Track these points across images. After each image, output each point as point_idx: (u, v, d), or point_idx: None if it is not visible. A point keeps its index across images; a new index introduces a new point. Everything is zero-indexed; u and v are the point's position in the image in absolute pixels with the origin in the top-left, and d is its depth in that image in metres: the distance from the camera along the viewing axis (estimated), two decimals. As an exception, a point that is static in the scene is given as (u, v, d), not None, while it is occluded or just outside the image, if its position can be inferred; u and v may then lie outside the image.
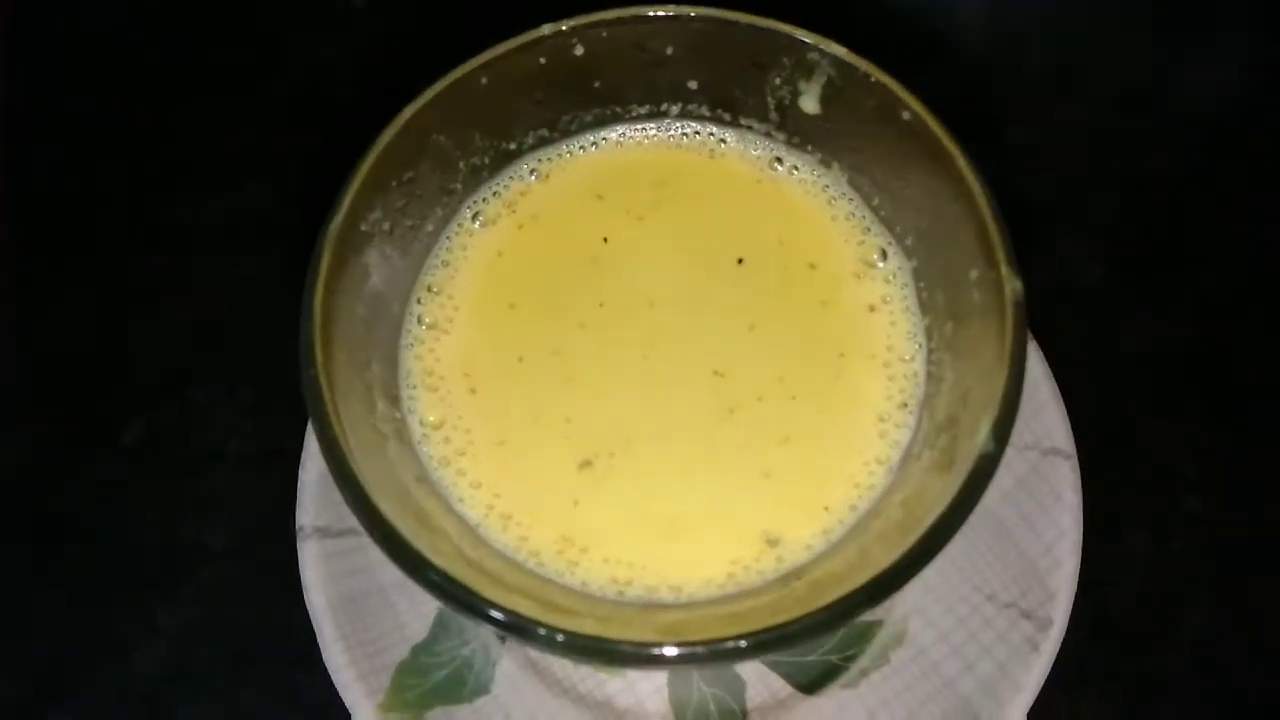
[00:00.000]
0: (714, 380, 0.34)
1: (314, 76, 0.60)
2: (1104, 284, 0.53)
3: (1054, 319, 0.47)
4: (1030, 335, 0.45)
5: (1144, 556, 0.47)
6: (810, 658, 0.44)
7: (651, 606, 0.30)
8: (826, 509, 0.32)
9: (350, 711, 0.41)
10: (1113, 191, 0.55)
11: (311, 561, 0.43)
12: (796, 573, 0.31)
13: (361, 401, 0.31)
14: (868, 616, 0.44)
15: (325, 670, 0.41)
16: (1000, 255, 0.29)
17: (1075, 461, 0.44)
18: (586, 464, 0.33)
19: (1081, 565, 0.42)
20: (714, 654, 0.25)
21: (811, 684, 0.43)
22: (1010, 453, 0.45)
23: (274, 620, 0.46)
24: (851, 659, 0.43)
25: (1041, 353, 0.45)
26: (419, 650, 0.43)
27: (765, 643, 0.25)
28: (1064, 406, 0.45)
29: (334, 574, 0.43)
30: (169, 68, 0.61)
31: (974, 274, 0.31)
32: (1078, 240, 0.54)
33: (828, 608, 0.25)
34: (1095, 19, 0.61)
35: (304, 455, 0.45)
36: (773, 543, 0.31)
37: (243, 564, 0.48)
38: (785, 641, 0.25)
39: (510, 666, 0.44)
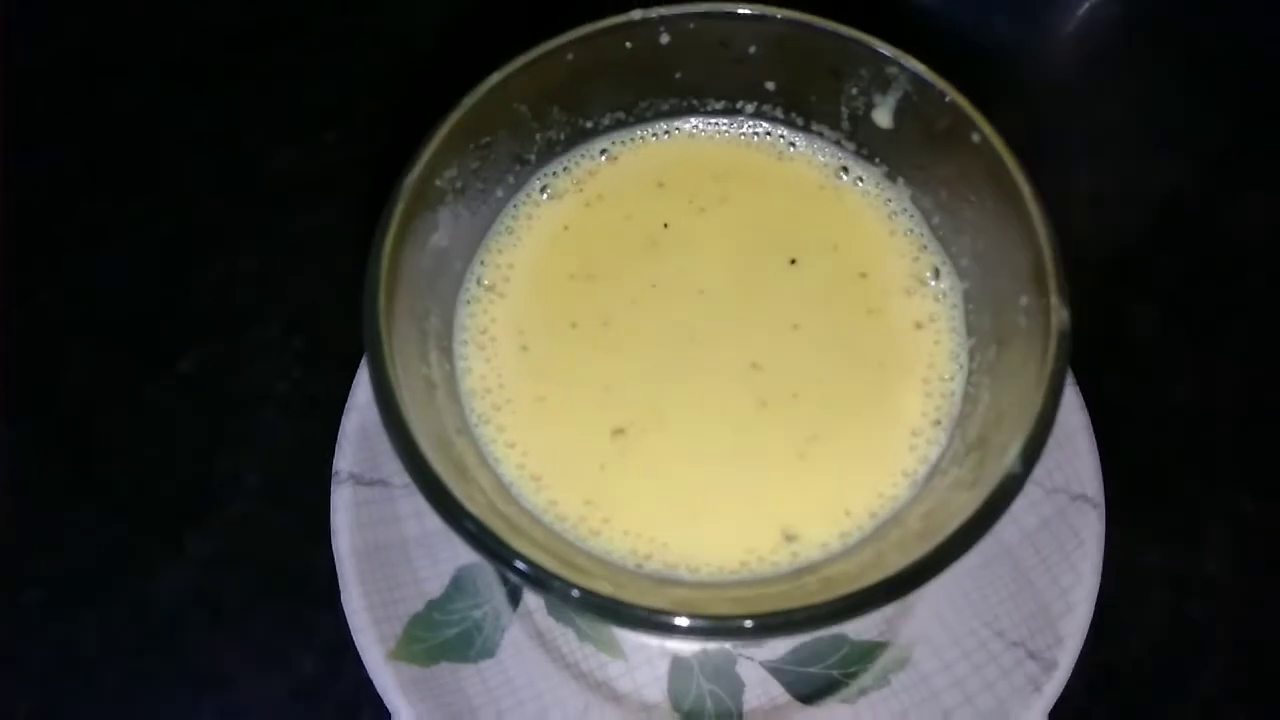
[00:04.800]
0: (751, 372, 0.34)
1: (401, 42, 0.61)
2: (1156, 339, 0.53)
3: (1101, 369, 0.47)
4: (1074, 383, 0.46)
5: (1160, 615, 0.47)
6: (812, 669, 0.44)
7: (666, 582, 0.31)
8: (847, 513, 0.32)
9: (361, 653, 0.42)
10: (1177, 249, 0.55)
11: (343, 505, 0.45)
12: (810, 569, 0.31)
13: (416, 349, 0.32)
14: (873, 636, 0.44)
15: (340, 614, 0.42)
16: (1052, 284, 0.29)
17: (1102, 511, 0.44)
18: (619, 431, 0.33)
19: (1096, 616, 0.42)
20: (720, 630, 0.26)
21: (810, 695, 0.44)
22: (1039, 494, 0.45)
23: (298, 561, 0.47)
24: (853, 676, 0.44)
25: (1083, 400, 0.46)
26: (433, 606, 0.44)
27: (770, 626, 0.26)
28: (1098, 456, 0.45)
29: (361, 521, 0.45)
30: (259, 14, 0.63)
31: (1024, 300, 0.31)
32: (1134, 292, 0.54)
33: (834, 601, 0.26)
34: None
35: (348, 405, 0.47)
36: (790, 538, 0.32)
37: (274, 503, 0.49)
38: (790, 627, 0.26)
39: (518, 635, 0.45)
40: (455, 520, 0.27)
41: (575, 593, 0.26)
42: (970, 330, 0.35)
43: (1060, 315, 0.29)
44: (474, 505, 0.28)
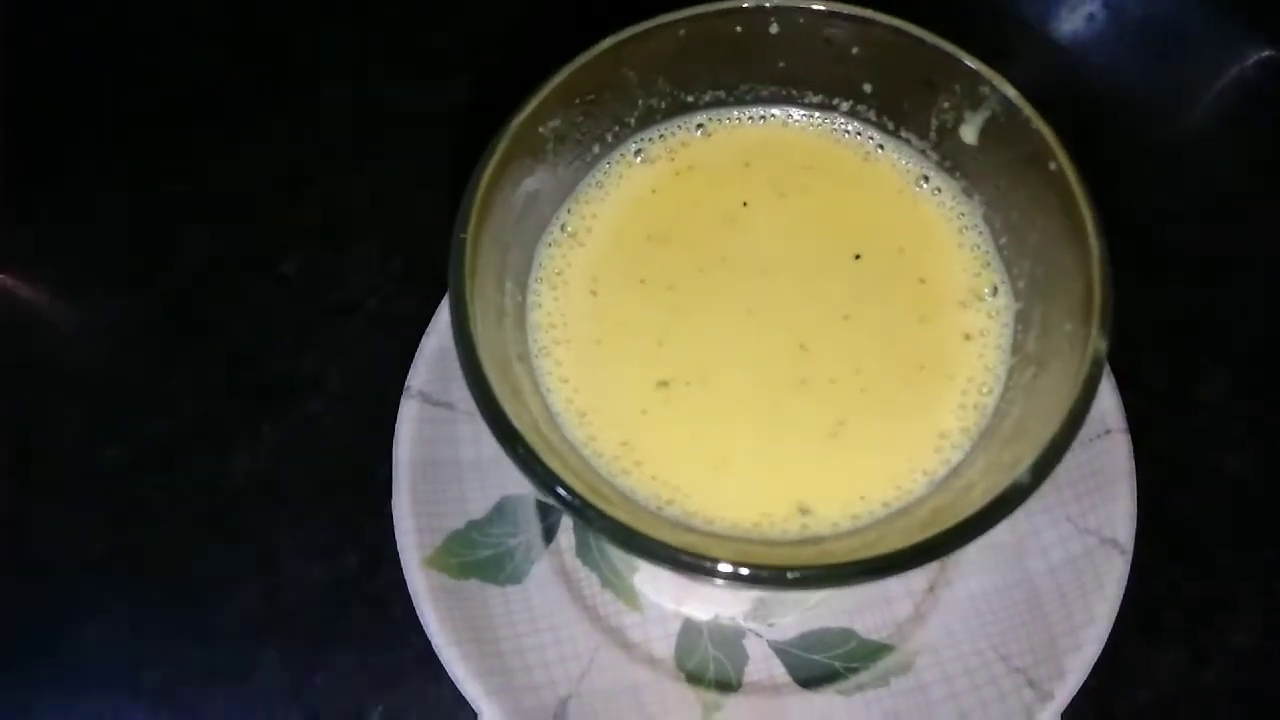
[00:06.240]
0: (798, 351, 0.36)
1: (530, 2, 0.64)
2: (1222, 404, 0.52)
3: (1161, 424, 0.48)
4: (1126, 429, 0.46)
5: (1173, 674, 0.47)
6: (816, 657, 0.46)
7: (681, 527, 0.33)
8: (862, 498, 0.34)
9: (400, 555, 0.45)
10: (1266, 317, 0.55)
11: (407, 419, 0.48)
12: (815, 540, 0.33)
13: (494, 277, 0.34)
14: (881, 638, 0.46)
15: (388, 519, 0.46)
16: (1096, 315, 0.31)
17: (1129, 559, 0.45)
18: (663, 384, 0.36)
19: (1106, 663, 0.43)
20: (712, 571, 0.28)
21: (809, 681, 0.45)
22: (1070, 530, 0.46)
23: (359, 464, 0.50)
24: (854, 671, 0.45)
25: (1131, 448, 0.46)
26: (473, 527, 0.47)
27: (762, 578, 0.28)
28: (1135, 504, 0.45)
29: (423, 437, 0.48)
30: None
31: (1068, 327, 0.32)
32: (1210, 353, 0.53)
33: (827, 567, 0.28)
34: None
35: (430, 327, 0.50)
36: (804, 511, 0.34)
37: (349, 408, 0.53)
38: (780, 583, 0.28)
39: (545, 569, 0.47)
40: (503, 435, 0.30)
41: (593, 514, 0.28)
42: (1015, 349, 0.36)
43: (1098, 346, 0.30)
44: (521, 424, 0.31)
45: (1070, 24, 0.61)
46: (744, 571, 0.28)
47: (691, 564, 0.28)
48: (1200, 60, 0.61)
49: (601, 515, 0.29)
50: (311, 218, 0.58)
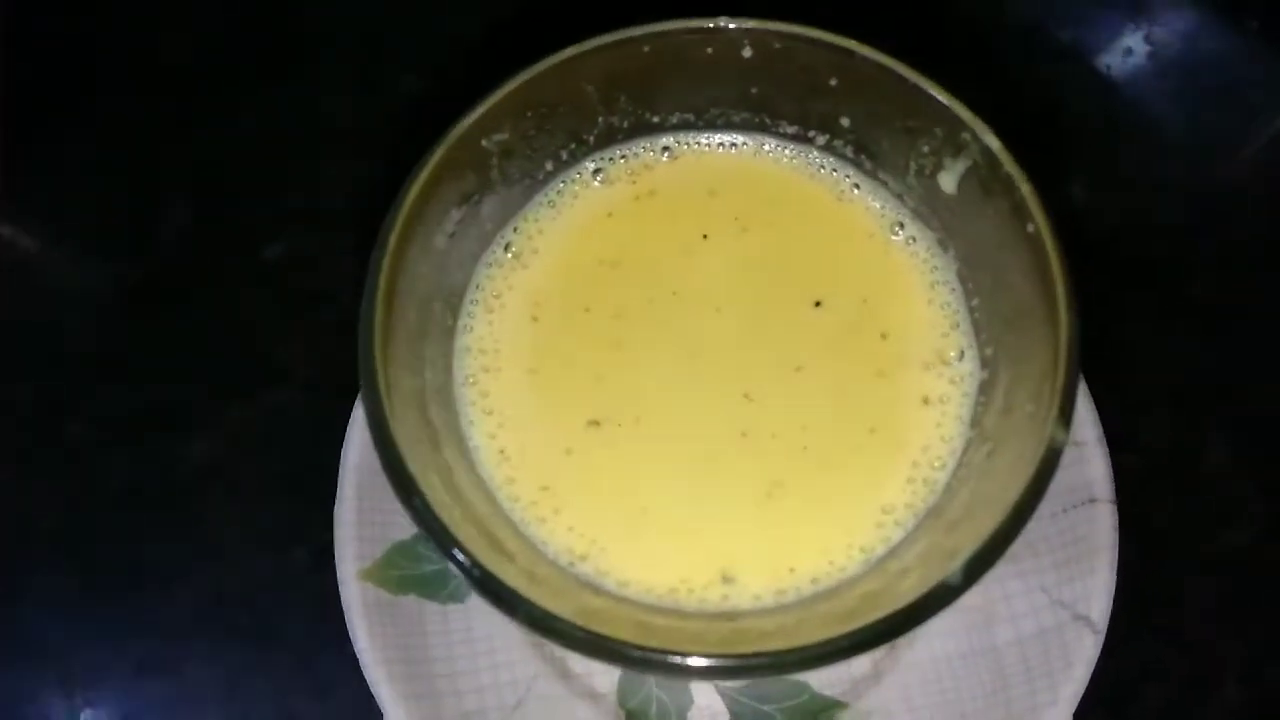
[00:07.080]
0: (741, 401, 0.34)
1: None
2: (1224, 476, 0.49)
3: (1155, 494, 0.45)
4: (1113, 499, 0.43)
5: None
6: (765, 707, 0.43)
7: (589, 588, 0.31)
8: (791, 570, 0.32)
9: (336, 565, 0.43)
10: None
11: (360, 421, 0.46)
12: (732, 615, 0.30)
13: (418, 293, 0.32)
14: (835, 694, 0.43)
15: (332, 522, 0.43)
16: (1056, 402, 0.28)
17: (1102, 639, 0.42)
18: (594, 423, 0.33)
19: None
20: (598, 647, 0.25)
21: (756, 730, 0.43)
22: (1043, 601, 0.43)
23: (318, 460, 0.48)
24: (804, 730, 0.43)
25: (1116, 520, 0.43)
26: (420, 539, 0.44)
27: (649, 662, 0.26)
28: (1115, 580, 0.42)
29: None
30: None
31: (1029, 408, 0.29)
32: (1215, 419, 0.50)
33: (736, 657, 0.25)
34: None
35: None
36: (727, 579, 0.31)
37: (313, 401, 0.51)
38: (683, 673, 0.25)
39: (490, 592, 0.45)
40: (396, 477, 0.28)
41: (478, 572, 0.26)
42: (974, 423, 0.33)
43: (1055, 436, 0.27)
44: (418, 468, 0.28)
45: (1108, 57, 0.57)
46: (643, 657, 0.26)
47: (589, 644, 0.26)
48: (1243, 108, 0.56)
49: (495, 582, 0.26)
50: (300, 202, 0.56)
